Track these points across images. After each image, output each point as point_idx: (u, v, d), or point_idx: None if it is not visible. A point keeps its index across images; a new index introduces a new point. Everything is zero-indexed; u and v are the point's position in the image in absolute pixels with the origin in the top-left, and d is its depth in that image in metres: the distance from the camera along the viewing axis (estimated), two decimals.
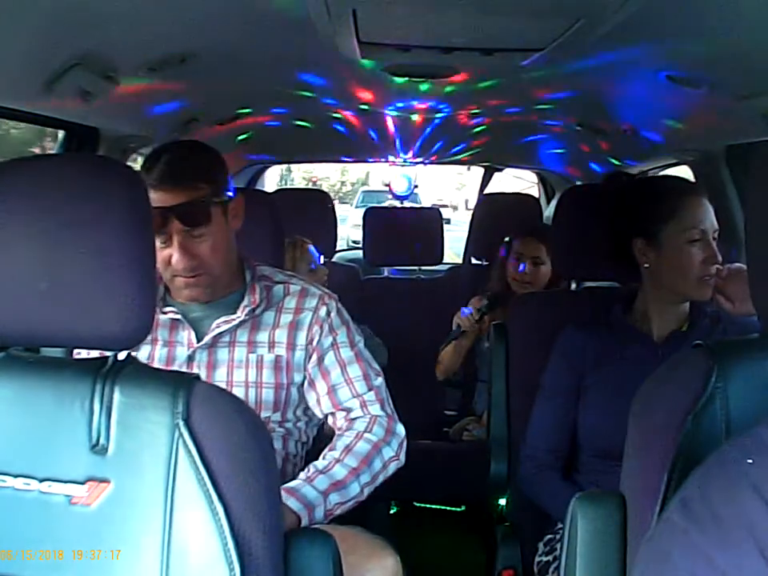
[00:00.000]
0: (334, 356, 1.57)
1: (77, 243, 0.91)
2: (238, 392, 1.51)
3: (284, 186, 9.39)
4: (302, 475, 1.44)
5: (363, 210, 3.68)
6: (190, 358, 1.53)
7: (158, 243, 1.42)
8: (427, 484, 2.79)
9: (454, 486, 2.80)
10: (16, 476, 0.93)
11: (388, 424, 1.56)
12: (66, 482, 0.93)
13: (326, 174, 19.39)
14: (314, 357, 1.57)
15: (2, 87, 1.53)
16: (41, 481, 0.93)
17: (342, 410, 1.56)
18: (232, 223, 1.53)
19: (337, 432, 1.57)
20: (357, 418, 1.56)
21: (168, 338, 1.54)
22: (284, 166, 15.70)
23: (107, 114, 1.99)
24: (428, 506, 3.06)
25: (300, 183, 19.98)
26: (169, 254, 1.45)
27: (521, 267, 2.79)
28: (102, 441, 0.93)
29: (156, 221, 1.38)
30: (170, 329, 1.54)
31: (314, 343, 1.57)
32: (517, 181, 5.21)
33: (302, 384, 1.58)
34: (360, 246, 3.70)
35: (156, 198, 1.41)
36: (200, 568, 0.90)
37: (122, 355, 0.98)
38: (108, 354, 0.97)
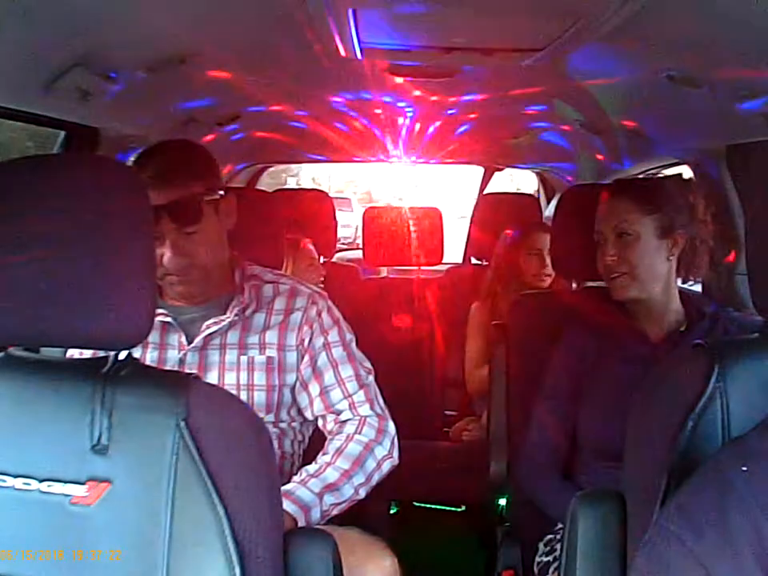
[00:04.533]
0: (327, 357, 1.57)
1: (77, 243, 0.91)
2: None
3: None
4: (296, 479, 1.44)
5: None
6: (182, 361, 1.52)
7: None
8: (427, 484, 2.79)
9: (454, 486, 2.80)
10: (16, 476, 0.93)
11: (378, 423, 1.56)
12: (66, 481, 0.93)
13: (341, 187, 20.39)
14: (307, 358, 1.56)
15: (2, 87, 1.53)
16: (41, 481, 0.93)
17: (333, 412, 1.56)
18: (224, 222, 1.53)
19: (328, 436, 1.56)
20: (346, 420, 1.55)
21: (159, 340, 1.53)
22: (315, 184, 16.35)
23: (107, 113, 1.98)
24: (428, 505, 3.06)
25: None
26: (160, 253, 1.43)
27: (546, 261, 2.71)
28: (102, 441, 0.93)
29: None
30: (160, 332, 1.53)
31: (306, 344, 1.56)
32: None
33: (294, 385, 1.57)
34: None
35: None
36: (200, 568, 0.90)
37: (122, 355, 0.98)
38: (103, 353, 0.97)
